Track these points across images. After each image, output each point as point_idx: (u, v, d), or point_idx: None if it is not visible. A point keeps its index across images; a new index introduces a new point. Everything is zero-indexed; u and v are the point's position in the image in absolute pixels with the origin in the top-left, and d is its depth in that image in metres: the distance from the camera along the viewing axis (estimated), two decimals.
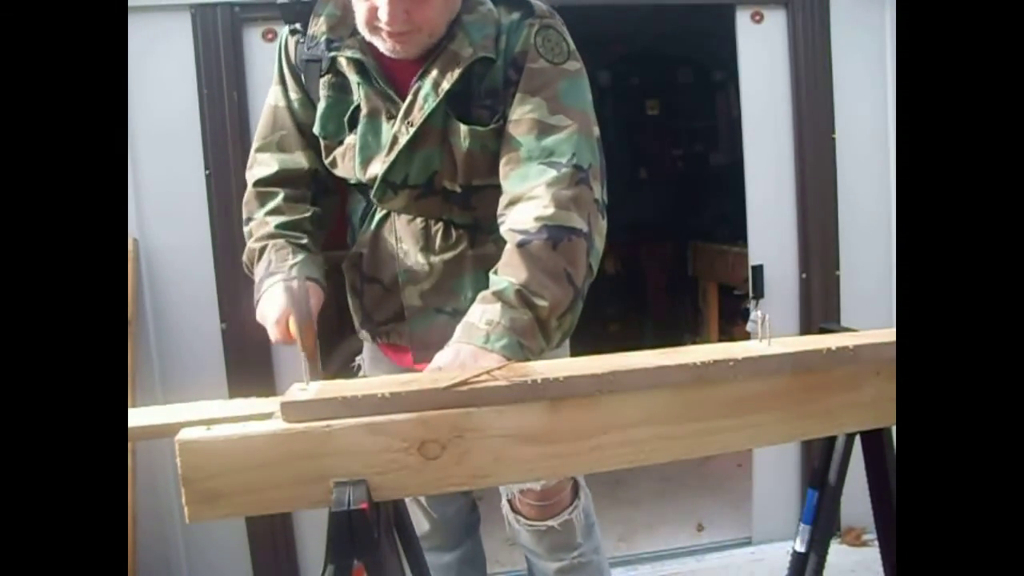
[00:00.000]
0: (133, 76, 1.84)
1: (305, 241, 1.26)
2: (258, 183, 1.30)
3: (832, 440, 1.16)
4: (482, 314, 1.02)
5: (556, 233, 1.07)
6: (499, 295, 1.03)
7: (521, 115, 1.16)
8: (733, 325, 3.52)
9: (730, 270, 3.41)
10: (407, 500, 1.27)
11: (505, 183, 1.17)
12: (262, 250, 1.24)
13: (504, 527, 1.42)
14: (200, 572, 2.08)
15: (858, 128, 2.28)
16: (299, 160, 1.30)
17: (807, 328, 2.25)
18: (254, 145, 1.34)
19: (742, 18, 2.22)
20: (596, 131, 1.19)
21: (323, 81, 1.24)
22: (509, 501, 1.36)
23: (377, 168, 1.22)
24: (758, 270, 2.29)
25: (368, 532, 0.78)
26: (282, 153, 1.30)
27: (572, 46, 1.22)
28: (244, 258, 1.29)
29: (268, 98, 1.33)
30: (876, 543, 1.12)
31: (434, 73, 1.18)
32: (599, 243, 1.14)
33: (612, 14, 2.92)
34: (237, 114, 1.97)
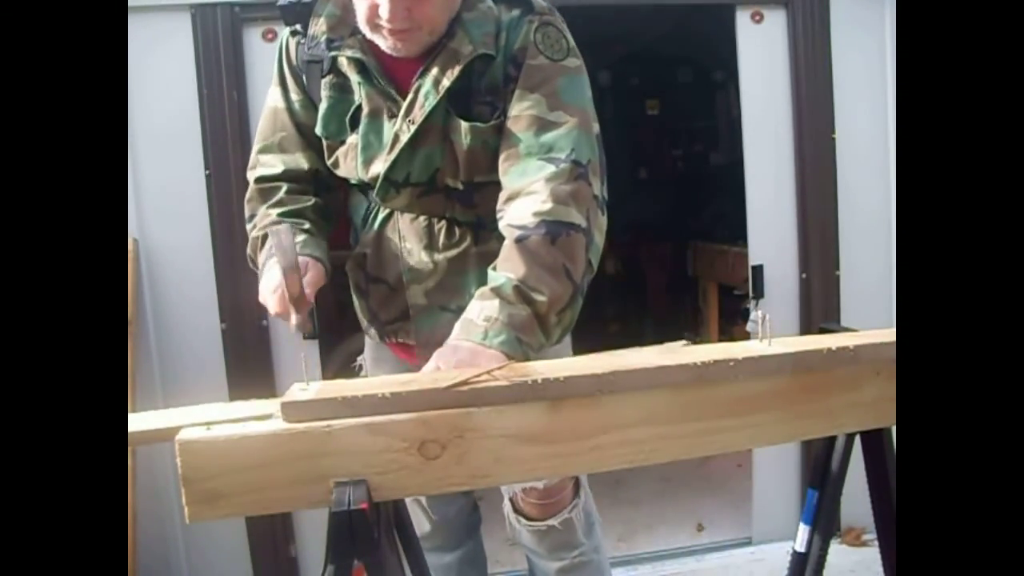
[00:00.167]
0: (133, 76, 1.84)
1: (308, 227, 1.26)
2: (260, 180, 1.31)
3: (832, 440, 1.16)
4: (480, 310, 1.02)
5: (554, 228, 1.07)
6: (497, 291, 1.03)
7: (520, 111, 1.16)
8: (733, 325, 3.52)
9: (730, 270, 3.41)
10: (408, 500, 1.27)
11: (504, 179, 1.17)
12: (265, 238, 1.23)
13: (505, 527, 1.42)
14: (200, 572, 2.08)
15: (858, 128, 2.28)
16: (300, 161, 1.30)
17: (807, 328, 2.25)
18: (256, 146, 1.34)
19: (742, 18, 2.22)
20: (596, 127, 1.19)
21: (324, 82, 1.24)
22: (511, 500, 1.36)
23: (379, 167, 1.22)
24: (758, 270, 2.29)
25: (368, 532, 0.78)
26: (283, 154, 1.30)
27: (572, 43, 1.22)
28: (248, 250, 1.29)
29: (268, 99, 1.33)
30: (876, 543, 1.12)
31: (435, 71, 1.18)
32: (599, 239, 1.13)
33: (612, 14, 2.91)
34: (237, 114, 1.97)
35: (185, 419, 0.86)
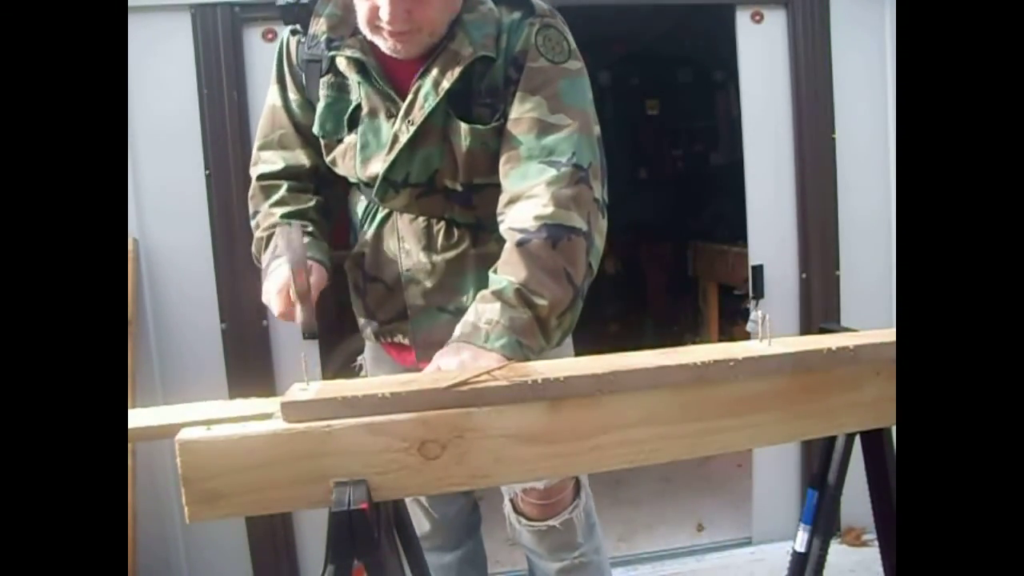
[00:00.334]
0: (133, 76, 1.84)
1: (311, 229, 1.27)
2: (262, 177, 1.32)
3: (832, 440, 1.16)
4: (481, 313, 1.02)
5: (555, 232, 1.07)
6: (498, 294, 1.03)
7: (521, 114, 1.16)
8: (733, 325, 3.53)
9: (730, 270, 3.41)
10: (408, 500, 1.27)
11: (505, 182, 1.17)
12: (269, 238, 1.25)
13: (505, 527, 1.42)
14: (200, 572, 2.08)
15: (858, 128, 2.28)
16: (300, 158, 1.31)
17: (807, 328, 2.25)
18: (256, 143, 1.35)
19: (742, 18, 2.22)
20: (597, 130, 1.19)
21: (323, 81, 1.25)
22: (512, 501, 1.36)
23: (378, 167, 1.22)
24: (758, 270, 2.29)
25: (368, 532, 0.78)
26: (283, 151, 1.31)
27: (573, 45, 1.22)
28: (252, 249, 1.30)
29: (268, 97, 1.34)
30: (876, 543, 1.12)
31: (435, 72, 1.18)
32: (599, 242, 1.13)
33: (612, 14, 2.92)
34: (237, 114, 1.97)
35: (185, 416, 0.86)
